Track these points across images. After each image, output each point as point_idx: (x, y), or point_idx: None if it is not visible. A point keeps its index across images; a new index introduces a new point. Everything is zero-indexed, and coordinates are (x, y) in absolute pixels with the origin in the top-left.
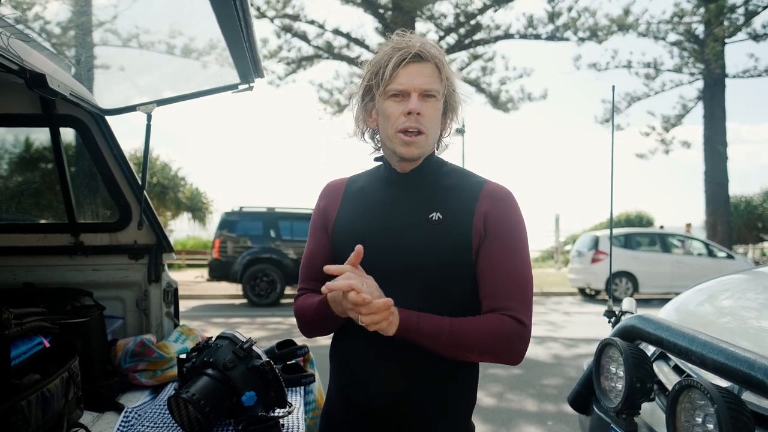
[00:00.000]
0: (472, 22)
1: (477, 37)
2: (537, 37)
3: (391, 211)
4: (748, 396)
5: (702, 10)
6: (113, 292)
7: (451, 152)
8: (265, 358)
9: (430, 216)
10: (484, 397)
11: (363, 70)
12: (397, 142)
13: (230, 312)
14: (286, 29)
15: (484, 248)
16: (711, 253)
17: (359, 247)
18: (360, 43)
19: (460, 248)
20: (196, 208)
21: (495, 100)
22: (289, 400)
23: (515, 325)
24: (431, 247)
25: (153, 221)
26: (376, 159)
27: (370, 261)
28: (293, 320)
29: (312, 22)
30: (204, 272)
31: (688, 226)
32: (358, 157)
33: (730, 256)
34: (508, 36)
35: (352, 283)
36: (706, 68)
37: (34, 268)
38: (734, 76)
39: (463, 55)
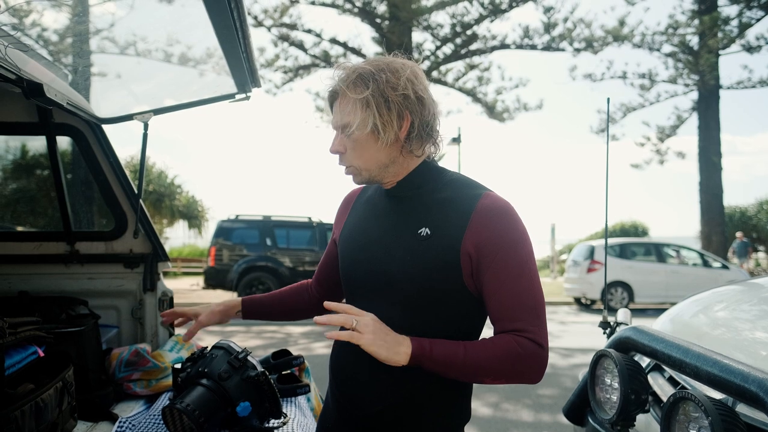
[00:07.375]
0: (469, 32)
1: (473, 47)
2: (533, 47)
3: (385, 224)
4: (742, 408)
5: (696, 21)
6: (108, 301)
7: (447, 161)
8: (260, 368)
9: (419, 231)
10: (480, 407)
11: None
12: None
13: None
14: (284, 38)
15: (485, 270)
16: (706, 264)
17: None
18: (357, 52)
19: (447, 267)
20: (192, 216)
21: (491, 110)
22: (284, 410)
23: (529, 345)
24: (416, 264)
25: (149, 230)
26: None
27: (359, 271)
28: (289, 329)
29: (309, 32)
30: (199, 280)
31: None
32: None
33: (724, 267)
34: (504, 46)
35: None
36: (700, 79)
37: (29, 276)
38: (728, 88)
39: (459, 65)
